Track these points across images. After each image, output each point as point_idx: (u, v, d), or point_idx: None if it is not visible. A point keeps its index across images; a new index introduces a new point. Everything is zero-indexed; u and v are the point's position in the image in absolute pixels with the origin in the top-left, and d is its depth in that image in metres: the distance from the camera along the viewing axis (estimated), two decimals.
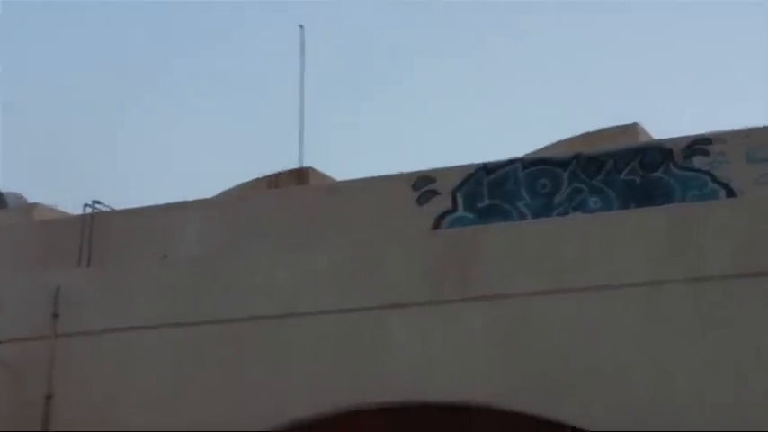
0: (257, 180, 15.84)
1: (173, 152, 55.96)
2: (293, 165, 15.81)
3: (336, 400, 11.32)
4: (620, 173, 13.47)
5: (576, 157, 13.87)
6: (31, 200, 17.61)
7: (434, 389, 11.00)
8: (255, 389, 11.64)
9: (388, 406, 11.18)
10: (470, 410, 10.83)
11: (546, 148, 15.05)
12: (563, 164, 13.81)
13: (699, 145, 13.19)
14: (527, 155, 14.30)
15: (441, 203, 13.62)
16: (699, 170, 13.03)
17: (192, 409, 11.69)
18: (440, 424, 10.94)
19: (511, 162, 13.83)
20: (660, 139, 13.91)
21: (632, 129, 15.02)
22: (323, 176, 15.67)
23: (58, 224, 14.45)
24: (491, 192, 13.67)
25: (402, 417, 11.11)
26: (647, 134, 14.91)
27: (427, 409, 11.01)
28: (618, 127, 14.97)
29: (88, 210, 13.89)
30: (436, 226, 13.23)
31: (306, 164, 15.90)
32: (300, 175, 15.55)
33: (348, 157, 43.36)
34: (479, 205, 13.60)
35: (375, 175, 14.05)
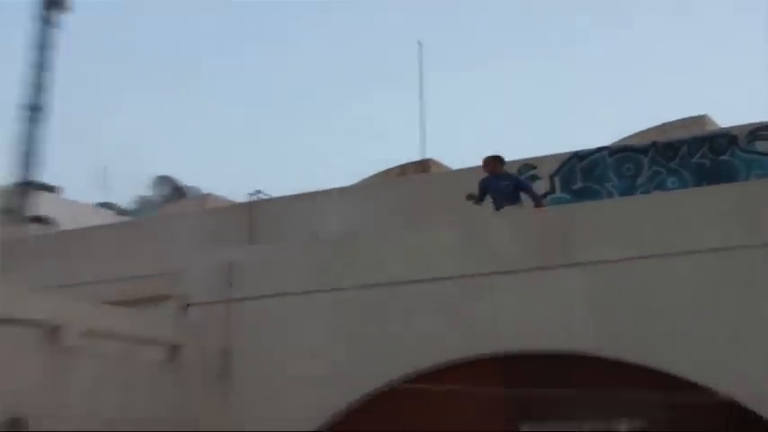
0: (388, 170, 16.28)
1: (316, 147, 57.00)
2: (417, 157, 16.28)
3: (456, 352, 11.65)
4: (692, 157, 13.77)
5: (654, 144, 14.24)
6: (204, 191, 18.38)
7: (538, 341, 11.31)
8: (389, 342, 11.96)
9: (499, 356, 11.47)
10: (568, 358, 11.07)
11: (628, 138, 15.38)
12: (643, 150, 14.19)
13: (760, 131, 13.44)
14: (612, 144, 14.65)
15: (541, 186, 14.04)
16: (761, 153, 13.29)
17: (340, 358, 12.11)
18: (543, 371, 11.13)
19: (599, 150, 14.23)
20: (726, 127, 14.15)
21: (701, 119, 15.27)
22: (441, 166, 16.04)
23: (227, 210, 14.81)
24: (583, 175, 14.06)
25: (511, 365, 11.38)
26: (713, 123, 15.15)
27: (532, 358, 11.30)
28: (689, 118, 15.23)
29: (251, 198, 14.33)
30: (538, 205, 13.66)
31: (427, 156, 16.37)
32: (423, 166, 15.96)
33: (462, 149, 43.84)
34: (574, 187, 13.99)
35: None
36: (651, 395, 10.47)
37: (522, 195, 13.28)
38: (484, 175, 13.56)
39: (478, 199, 13.28)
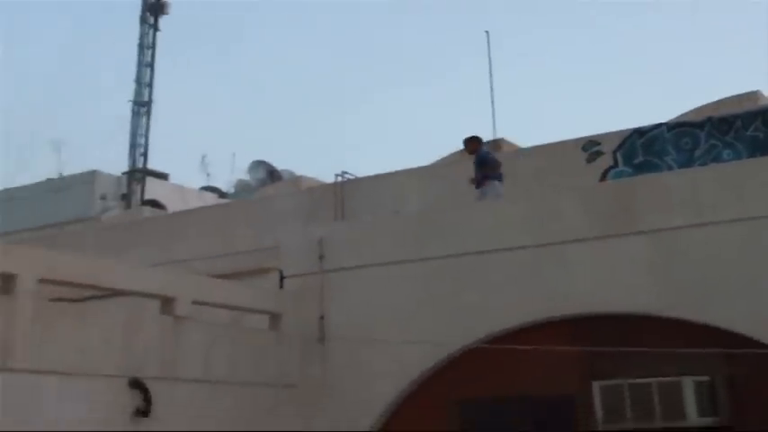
0: (463, 149, 16.31)
1: (395, 129, 57.09)
2: (488, 136, 16.26)
3: (530, 315, 11.65)
4: (746, 130, 13.57)
5: (710, 119, 14.06)
6: (297, 173, 18.52)
7: (606, 303, 11.24)
8: (469, 307, 11.94)
9: (570, 318, 11.45)
10: (634, 319, 11.03)
11: (685, 114, 15.18)
12: (700, 125, 14.01)
13: None
14: (670, 120, 14.48)
15: (605, 161, 13.95)
16: None
17: (424, 322, 12.13)
18: (611, 331, 11.05)
19: (658, 126, 14.07)
20: None
21: (754, 95, 15.00)
22: (512, 144, 16.01)
23: (317, 190, 14.94)
24: (644, 150, 13.92)
25: (581, 326, 11.35)
26: (765, 98, 14.88)
27: (600, 319, 11.24)
28: (742, 94, 14.98)
29: (339, 178, 14.32)
30: (602, 179, 13.54)
31: (498, 135, 16.32)
32: (495, 145, 15.90)
33: (531, 127, 43.58)
34: (635, 161, 13.87)
35: (552, 141, 14.42)
36: (710, 351, 10.33)
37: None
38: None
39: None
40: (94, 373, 10.56)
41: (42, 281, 10.33)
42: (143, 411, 10.84)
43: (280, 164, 20.45)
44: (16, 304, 10.00)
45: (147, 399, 10.87)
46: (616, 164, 13.90)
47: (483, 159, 13.55)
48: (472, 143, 13.69)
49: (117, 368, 10.82)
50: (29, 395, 9.94)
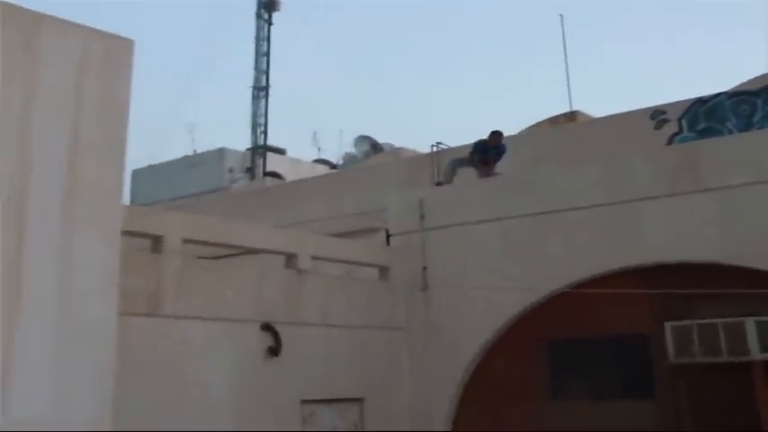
0: (543, 121, 16.16)
1: (483, 106, 56.75)
2: (566, 109, 16.07)
3: (607, 265, 11.46)
4: None
5: (766, 88, 13.65)
6: (397, 145, 18.54)
7: (676, 253, 10.99)
8: (551, 259, 11.84)
9: (642, 267, 11.25)
10: (701, 267, 10.76)
11: (742, 84, 14.72)
12: (757, 93, 13.61)
13: None
14: (730, 89, 14.08)
15: (670, 128, 13.65)
16: None
17: (513, 272, 12.05)
18: (680, 276, 10.80)
19: (718, 95, 13.71)
20: None
21: None
22: (587, 115, 15.76)
23: (416, 159, 14.97)
24: (706, 117, 13.57)
25: (652, 274, 11.14)
26: None
27: (671, 267, 11.02)
28: None
29: (434, 148, 14.25)
30: (669, 143, 13.28)
31: (574, 107, 16.12)
32: (572, 116, 15.72)
33: (604, 99, 42.86)
34: (698, 128, 13.51)
35: (623, 111, 14.16)
36: None
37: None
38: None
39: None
40: (232, 318, 10.73)
41: (185, 241, 10.50)
42: (274, 351, 10.99)
43: (381, 138, 20.46)
44: (164, 261, 10.19)
45: (278, 340, 11.01)
46: (681, 130, 13.57)
47: (501, 152, 13.61)
48: (496, 136, 13.59)
49: (250, 314, 10.97)
50: (178, 338, 10.15)
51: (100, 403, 5.95)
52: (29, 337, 5.70)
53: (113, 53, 7.79)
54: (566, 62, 17.15)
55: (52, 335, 6.26)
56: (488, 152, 13.36)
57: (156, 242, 10.25)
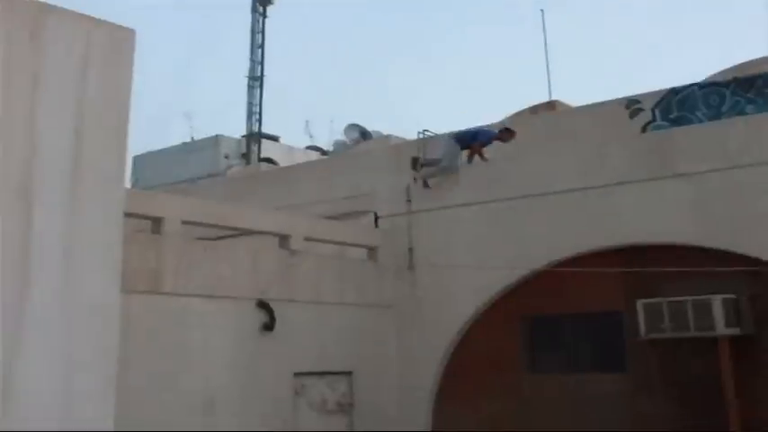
0: (523, 110, 16.16)
1: (466, 96, 56.69)
2: (546, 98, 16.08)
3: (584, 245, 11.53)
4: (766, 88, 13.22)
5: (735, 79, 13.68)
6: (385, 133, 18.51)
7: (650, 235, 11.08)
8: (533, 239, 11.91)
9: (617, 248, 11.32)
10: (673, 248, 10.83)
11: (713, 75, 14.77)
12: (726, 85, 13.63)
13: None
14: (701, 81, 14.12)
15: (645, 117, 13.66)
16: None
17: (496, 252, 12.12)
18: (652, 257, 10.91)
19: (690, 86, 13.74)
20: None
21: None
22: (565, 105, 15.76)
23: (403, 146, 14.88)
24: (678, 106, 13.58)
25: (626, 255, 11.22)
26: None
27: (645, 248, 11.11)
28: (762, 57, 14.55)
29: (420, 135, 14.22)
30: (643, 131, 13.26)
31: (553, 97, 16.13)
32: (551, 105, 15.72)
33: (583, 89, 42.84)
34: (671, 116, 13.51)
35: (599, 100, 14.17)
36: (736, 269, 10.25)
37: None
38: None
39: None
40: (229, 296, 10.77)
41: (184, 222, 10.52)
42: (269, 326, 11.05)
43: (370, 126, 20.43)
44: (164, 242, 10.22)
45: (272, 316, 11.06)
46: (654, 119, 13.55)
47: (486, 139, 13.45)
48: (510, 133, 13.41)
49: (246, 292, 11.02)
50: (177, 313, 10.19)
51: (105, 375, 5.98)
52: (37, 313, 5.72)
53: (116, 42, 7.79)
54: (546, 55, 17.15)
55: (59, 311, 6.28)
56: (475, 139, 13.27)
57: (157, 223, 10.29)
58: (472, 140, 13.30)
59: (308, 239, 12.00)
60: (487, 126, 13.96)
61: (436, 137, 14.01)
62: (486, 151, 13.27)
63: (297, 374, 11.41)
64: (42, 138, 6.87)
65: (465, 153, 13.42)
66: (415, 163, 13.43)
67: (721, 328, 10.02)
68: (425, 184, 13.22)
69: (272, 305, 11.10)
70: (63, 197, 6.56)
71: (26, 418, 5.31)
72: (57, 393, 5.67)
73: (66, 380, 5.75)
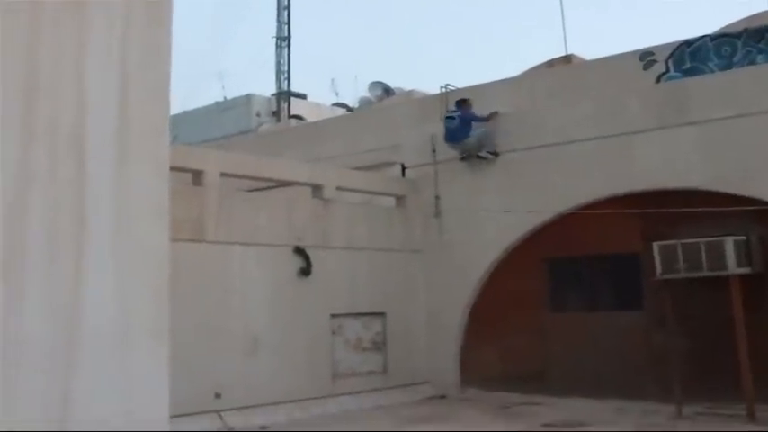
0: (541, 64, 15.91)
1: (487, 50, 55.96)
2: (561, 53, 15.83)
3: (602, 191, 11.46)
4: None
5: (746, 30, 13.39)
6: (407, 89, 18.36)
7: (663, 181, 10.98)
8: (552, 186, 11.81)
9: (633, 193, 11.25)
10: (686, 193, 10.76)
11: (725, 27, 14.48)
12: (737, 36, 13.35)
13: None
14: (713, 32, 13.84)
15: (658, 68, 13.44)
16: None
17: (518, 198, 12.02)
18: (667, 201, 10.80)
19: (703, 37, 13.48)
20: None
21: None
22: (581, 58, 15.54)
23: (427, 100, 14.81)
24: (691, 58, 13.34)
25: (642, 200, 11.10)
26: None
27: (659, 193, 11.00)
28: None
29: (443, 90, 14.13)
30: (657, 82, 13.08)
31: (569, 51, 15.86)
32: (567, 59, 15.47)
33: (598, 43, 41.98)
34: (684, 67, 13.28)
35: (615, 53, 13.94)
36: (747, 209, 10.16)
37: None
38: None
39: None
40: (266, 243, 10.80)
41: (223, 175, 10.52)
42: (305, 271, 11.10)
43: (393, 83, 20.21)
44: (205, 193, 10.23)
45: (309, 262, 11.10)
46: (668, 70, 13.31)
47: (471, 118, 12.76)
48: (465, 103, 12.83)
49: (283, 240, 11.06)
50: (220, 259, 10.24)
51: (159, 315, 6.05)
52: (93, 254, 5.77)
53: (155, 4, 7.72)
54: (561, 9, 16.84)
55: (112, 258, 6.32)
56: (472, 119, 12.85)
57: (197, 176, 10.29)
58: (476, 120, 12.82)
59: (339, 189, 11.98)
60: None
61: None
62: (502, 108, 12.99)
63: (333, 315, 11.51)
64: (91, 94, 6.87)
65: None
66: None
67: (733, 268, 9.91)
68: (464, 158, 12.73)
69: (307, 251, 11.13)
70: (113, 149, 6.57)
71: (89, 344, 5.42)
72: (116, 331, 5.73)
73: (123, 318, 5.83)
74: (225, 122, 23.60)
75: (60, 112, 6.42)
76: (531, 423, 9.82)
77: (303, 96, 26.00)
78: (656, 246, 10.49)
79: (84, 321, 5.53)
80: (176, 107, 25.26)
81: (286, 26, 26.69)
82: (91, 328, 5.57)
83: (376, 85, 20.44)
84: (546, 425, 9.69)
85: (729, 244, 10.02)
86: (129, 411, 5.84)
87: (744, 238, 10.20)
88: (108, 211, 6.23)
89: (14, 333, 5.16)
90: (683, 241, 10.28)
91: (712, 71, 12.87)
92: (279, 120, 23.80)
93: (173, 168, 9.02)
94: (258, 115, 24.33)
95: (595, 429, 9.39)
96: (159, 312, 6.29)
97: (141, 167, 6.97)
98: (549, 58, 16.05)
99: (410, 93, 17.44)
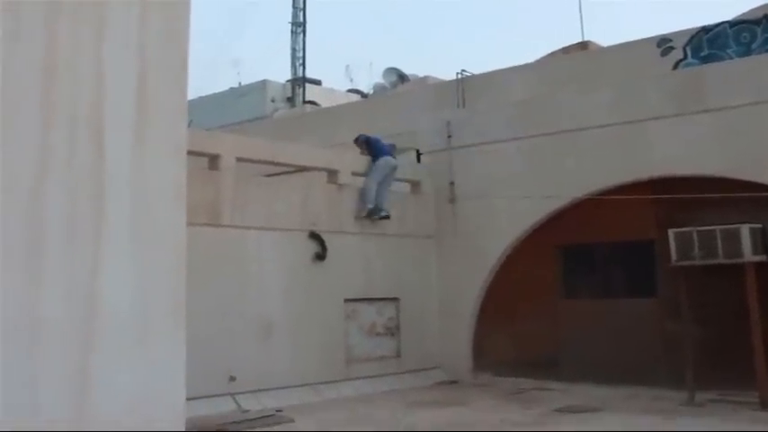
0: (557, 50, 15.83)
1: (503, 37, 55.44)
2: (578, 39, 15.74)
3: (617, 177, 11.41)
4: None
5: (766, 16, 13.26)
6: (421, 75, 18.32)
7: (679, 168, 10.90)
8: (567, 172, 11.79)
9: (649, 180, 11.21)
10: (701, 179, 10.63)
11: (744, 13, 14.33)
12: (757, 22, 13.23)
13: None
14: (731, 19, 13.72)
15: (676, 55, 13.36)
16: None
17: (532, 185, 11.97)
18: (683, 188, 10.70)
19: (721, 24, 13.36)
20: None
21: None
22: (597, 45, 15.46)
23: (442, 86, 14.79)
24: (709, 44, 13.24)
25: (659, 186, 11.10)
26: None
27: (675, 180, 10.93)
28: None
29: (459, 75, 14.08)
30: (675, 69, 13.01)
31: (586, 38, 15.77)
32: (583, 45, 15.40)
33: (614, 30, 41.54)
34: (702, 54, 13.20)
35: (632, 39, 13.86)
36: (764, 205, 10.07)
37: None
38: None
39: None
40: (282, 228, 10.82)
41: (239, 159, 10.53)
42: (320, 256, 11.12)
43: (407, 69, 20.16)
44: (221, 178, 10.25)
45: (324, 247, 11.12)
46: (685, 57, 13.24)
47: (368, 143, 12.48)
48: (357, 144, 12.58)
49: (298, 224, 11.07)
50: (235, 244, 10.26)
51: (176, 296, 6.05)
52: (112, 236, 5.80)
53: None
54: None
55: (131, 241, 6.34)
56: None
57: (214, 160, 10.30)
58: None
59: (355, 174, 11.97)
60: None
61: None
62: (519, 92, 12.92)
63: (347, 300, 11.53)
64: (109, 78, 6.87)
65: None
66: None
67: (748, 255, 9.89)
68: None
69: (322, 237, 11.15)
70: (131, 132, 6.58)
71: (108, 327, 5.46)
72: (133, 312, 5.76)
73: (141, 298, 5.86)
74: (240, 108, 23.62)
75: (78, 97, 6.44)
76: (544, 408, 9.84)
77: (318, 82, 25.98)
78: (671, 232, 10.47)
79: (103, 304, 5.57)
80: (192, 93, 25.10)
81: (301, 12, 26.67)
82: (109, 310, 5.62)
83: (390, 71, 20.39)
84: (558, 410, 9.69)
85: (745, 231, 9.98)
86: (147, 393, 5.88)
87: (760, 225, 10.16)
88: (126, 195, 6.25)
89: (34, 317, 5.20)
90: (699, 228, 10.25)
91: (731, 58, 12.79)
92: (293, 105, 23.80)
93: (189, 153, 9.06)
94: (273, 101, 24.33)
95: (607, 414, 9.39)
96: (177, 295, 6.32)
97: (159, 151, 6.98)
98: (565, 44, 16.00)
99: (424, 79, 17.38)
